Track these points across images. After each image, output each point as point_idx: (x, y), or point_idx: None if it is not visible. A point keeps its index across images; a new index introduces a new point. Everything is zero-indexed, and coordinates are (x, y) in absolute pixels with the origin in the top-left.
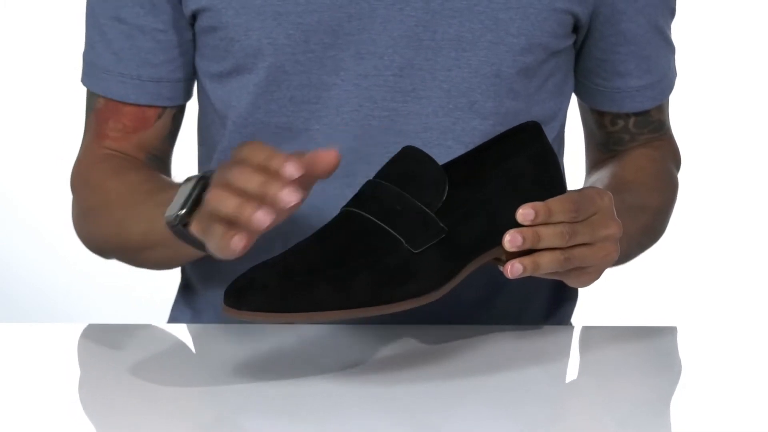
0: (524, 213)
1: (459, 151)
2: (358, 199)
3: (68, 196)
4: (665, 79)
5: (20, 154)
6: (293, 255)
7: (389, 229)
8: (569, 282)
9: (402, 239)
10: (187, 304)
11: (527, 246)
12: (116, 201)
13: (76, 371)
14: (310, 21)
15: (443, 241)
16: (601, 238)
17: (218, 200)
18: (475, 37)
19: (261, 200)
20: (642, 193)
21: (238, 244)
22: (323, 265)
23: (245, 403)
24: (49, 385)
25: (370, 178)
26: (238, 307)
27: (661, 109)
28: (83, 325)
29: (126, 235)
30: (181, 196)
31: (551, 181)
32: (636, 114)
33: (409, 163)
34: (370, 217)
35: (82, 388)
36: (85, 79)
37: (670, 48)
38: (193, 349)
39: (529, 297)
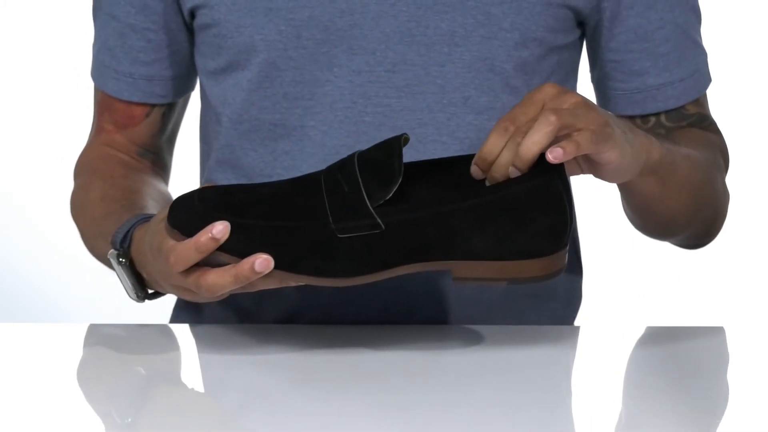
0: (475, 172)
1: (454, 146)
2: (334, 165)
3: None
4: (690, 78)
5: (23, 155)
6: (249, 190)
7: (326, 205)
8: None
9: (331, 219)
10: (188, 304)
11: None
12: (88, 208)
13: (77, 371)
14: (301, 17)
15: (377, 236)
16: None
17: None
18: (468, 32)
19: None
20: (689, 146)
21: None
22: (258, 211)
23: (245, 403)
24: (51, 385)
25: None
26: (168, 219)
27: (699, 104)
28: (85, 325)
29: (90, 244)
30: (125, 282)
31: (534, 230)
32: (665, 111)
33: (382, 151)
34: (322, 187)
35: (84, 387)
36: (92, 71)
37: (697, 49)
38: (195, 349)
39: (526, 300)
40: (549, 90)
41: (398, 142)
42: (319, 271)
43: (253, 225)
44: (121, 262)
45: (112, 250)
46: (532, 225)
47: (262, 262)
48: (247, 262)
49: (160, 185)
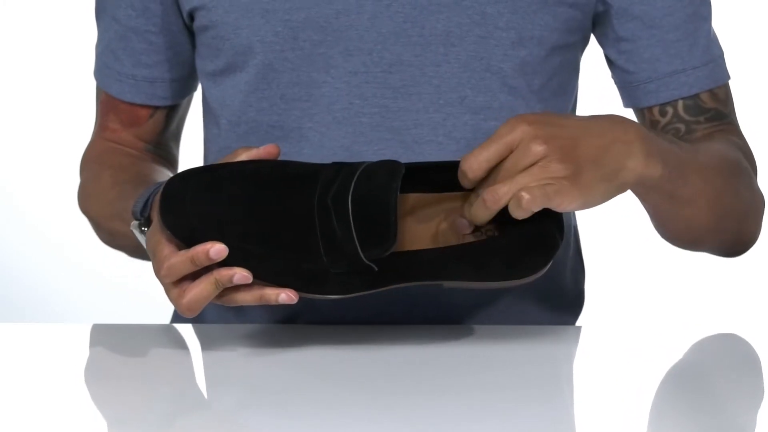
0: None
1: (450, 146)
2: (325, 188)
3: (72, 199)
4: (704, 67)
5: (23, 155)
6: (242, 194)
7: (320, 245)
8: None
9: (324, 257)
10: None
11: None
12: (100, 194)
13: (80, 371)
14: (297, 18)
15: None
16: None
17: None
18: (463, 32)
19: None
20: (710, 151)
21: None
22: (251, 232)
23: (245, 402)
24: (53, 385)
25: None
26: (161, 218)
27: (715, 97)
28: (86, 326)
29: (107, 228)
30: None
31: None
32: (683, 99)
33: (374, 204)
34: (316, 223)
35: (86, 387)
36: (95, 71)
37: (710, 40)
38: (195, 349)
39: (529, 301)
40: (521, 134)
41: (393, 189)
42: (309, 289)
43: (248, 250)
44: (144, 231)
45: (134, 221)
46: (525, 263)
47: (240, 277)
48: (229, 271)
49: (170, 174)
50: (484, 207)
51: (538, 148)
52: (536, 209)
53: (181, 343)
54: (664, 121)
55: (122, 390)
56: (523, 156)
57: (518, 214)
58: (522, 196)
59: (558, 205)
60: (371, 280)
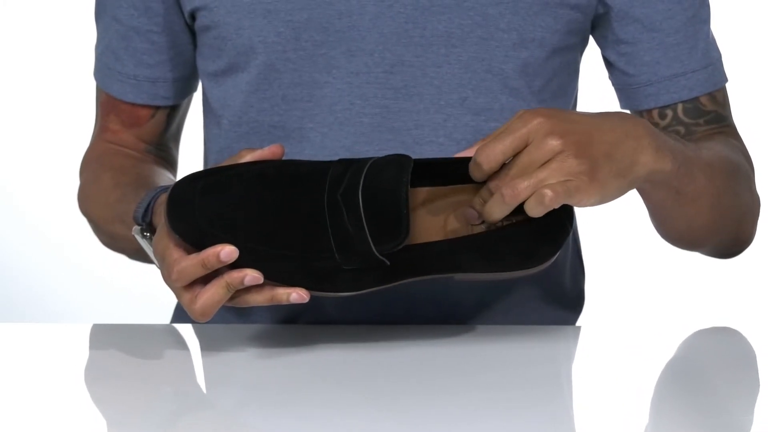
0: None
1: (451, 147)
2: (334, 184)
3: (72, 199)
4: (703, 71)
5: (23, 155)
6: (249, 197)
7: (331, 242)
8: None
9: (336, 254)
10: None
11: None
12: (101, 196)
13: (80, 371)
14: (299, 19)
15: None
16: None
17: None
18: (465, 33)
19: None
20: (711, 151)
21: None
22: (261, 232)
23: (245, 402)
24: (54, 385)
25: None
26: (169, 223)
27: (714, 100)
28: (86, 326)
29: (107, 231)
30: (153, 256)
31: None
32: (683, 102)
33: (385, 198)
34: (326, 219)
35: (86, 387)
36: (95, 72)
37: (709, 44)
38: (196, 349)
39: (529, 302)
40: (536, 127)
41: (404, 181)
42: (320, 287)
43: (257, 251)
44: (146, 236)
45: (135, 226)
46: (536, 252)
47: (251, 279)
48: (239, 273)
49: (170, 175)
50: (502, 202)
51: (554, 143)
52: (557, 206)
53: (181, 343)
54: (663, 123)
55: (122, 390)
56: (539, 150)
57: (537, 211)
58: (545, 193)
59: (578, 202)
60: (382, 275)
